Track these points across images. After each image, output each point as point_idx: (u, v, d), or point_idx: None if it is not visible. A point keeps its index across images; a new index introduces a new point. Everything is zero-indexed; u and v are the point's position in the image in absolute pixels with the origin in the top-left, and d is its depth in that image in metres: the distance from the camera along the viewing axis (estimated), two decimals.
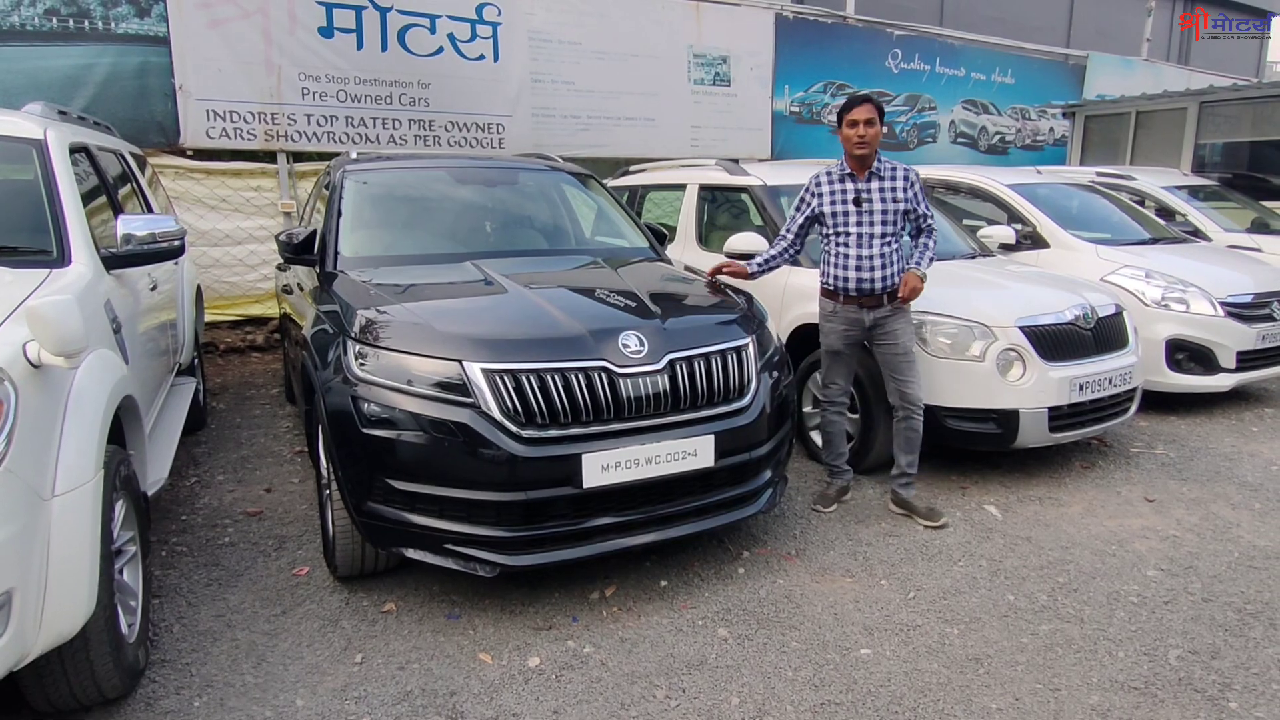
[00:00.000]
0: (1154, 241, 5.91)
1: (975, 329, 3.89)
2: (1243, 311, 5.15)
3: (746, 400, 2.97)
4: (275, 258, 5.88)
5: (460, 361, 2.63)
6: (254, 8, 6.70)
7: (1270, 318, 5.21)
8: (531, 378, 2.63)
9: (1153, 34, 13.84)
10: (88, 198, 3.09)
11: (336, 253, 3.60)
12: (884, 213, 3.51)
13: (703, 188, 5.55)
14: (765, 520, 3.58)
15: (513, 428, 2.59)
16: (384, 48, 7.29)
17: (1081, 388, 3.97)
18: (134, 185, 4.33)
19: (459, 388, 2.62)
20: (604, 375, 2.70)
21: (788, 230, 3.75)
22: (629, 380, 2.72)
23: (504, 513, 2.63)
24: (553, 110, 8.24)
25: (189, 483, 4.08)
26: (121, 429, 2.58)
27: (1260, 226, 7.33)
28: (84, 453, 2.05)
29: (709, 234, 5.44)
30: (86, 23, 6.23)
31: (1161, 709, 2.34)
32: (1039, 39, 13.22)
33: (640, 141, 8.74)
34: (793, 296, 4.43)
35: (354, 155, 4.44)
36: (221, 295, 6.96)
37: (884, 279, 3.52)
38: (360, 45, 7.19)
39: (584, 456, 2.62)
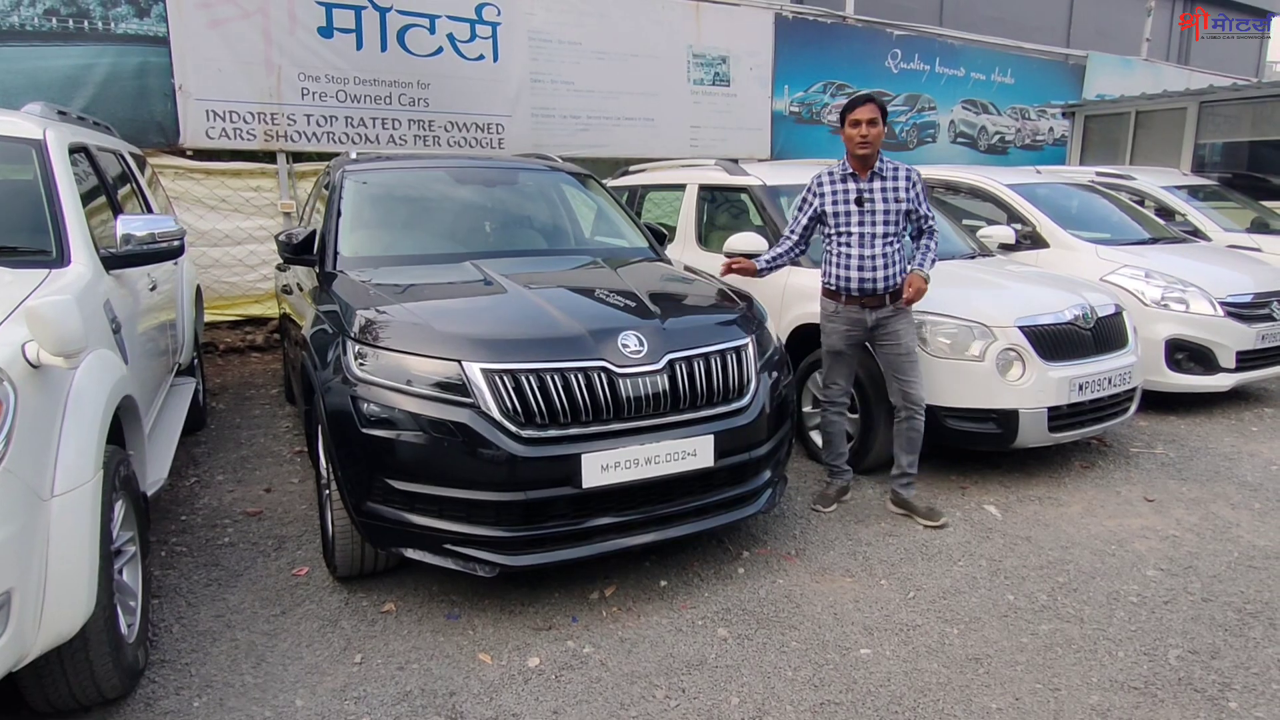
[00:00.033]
0: (1153, 241, 5.91)
1: (975, 329, 3.88)
2: (1242, 311, 5.15)
3: (746, 400, 2.97)
4: (275, 258, 5.88)
5: (459, 361, 2.63)
6: (254, 8, 6.69)
7: (1270, 317, 5.21)
8: (531, 378, 2.63)
9: (1152, 34, 13.84)
10: (87, 198, 3.08)
11: (336, 253, 3.60)
12: (886, 212, 3.50)
13: (702, 188, 5.55)
14: (765, 520, 3.58)
15: (512, 428, 2.59)
16: (383, 48, 7.29)
17: (1081, 388, 3.97)
18: (133, 185, 4.33)
19: (458, 388, 2.62)
20: (603, 375, 2.70)
21: (791, 231, 3.74)
22: (628, 380, 2.72)
23: (503, 513, 2.62)
24: (552, 110, 8.24)
25: (188, 483, 4.08)
26: (121, 429, 2.58)
27: (1260, 226, 7.34)
28: (83, 453, 2.05)
29: (708, 234, 5.44)
30: (86, 23, 6.23)
31: (1161, 709, 2.34)
32: (1039, 39, 13.22)
33: (640, 141, 8.73)
34: (792, 296, 4.43)
35: (354, 155, 4.44)
36: (221, 295, 6.96)
37: (886, 279, 3.51)
38: (360, 45, 7.19)
39: (583, 456, 2.62)
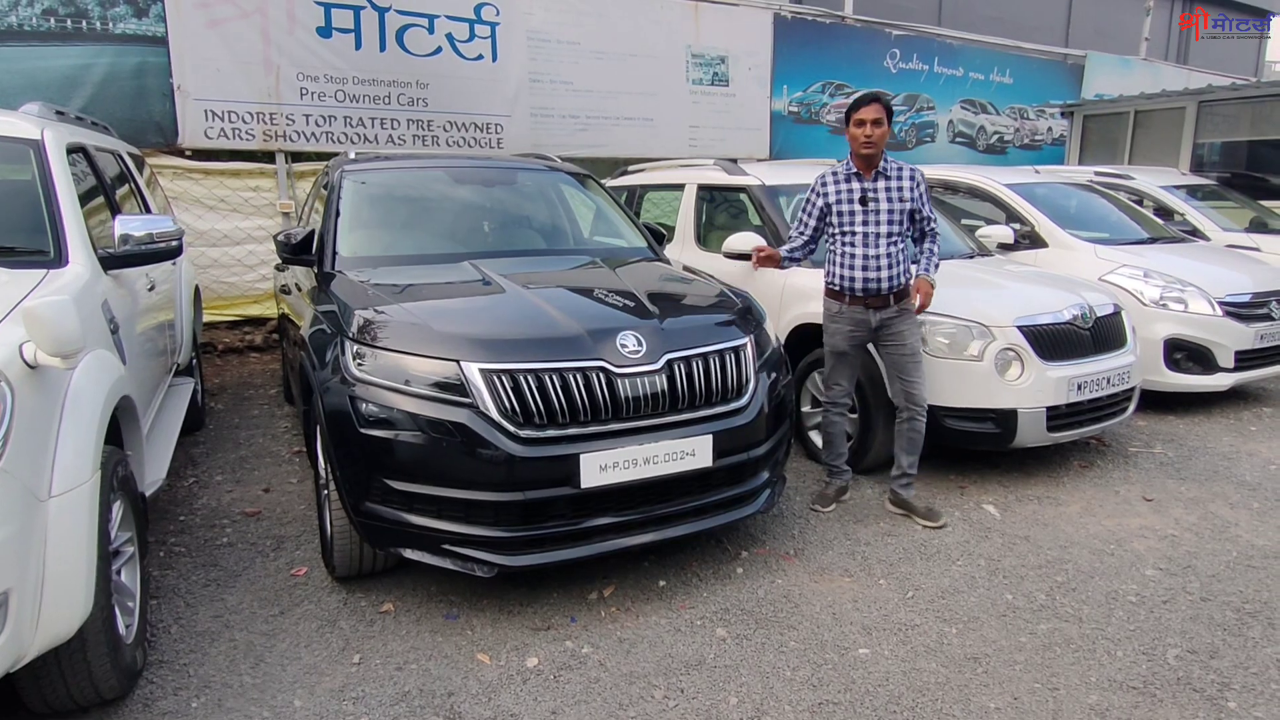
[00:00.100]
0: (1152, 241, 5.91)
1: (973, 329, 3.88)
2: (1241, 311, 5.15)
3: (745, 400, 2.97)
4: (273, 258, 5.87)
5: (458, 361, 2.63)
6: (252, 8, 6.69)
7: (1268, 317, 5.22)
8: (529, 378, 2.63)
9: (1151, 34, 13.85)
10: (85, 198, 3.08)
11: (334, 253, 3.59)
12: (890, 212, 3.50)
13: (701, 188, 5.55)
14: (764, 520, 3.58)
15: (510, 428, 2.59)
16: (382, 48, 7.28)
17: (1080, 387, 3.97)
18: (132, 185, 4.33)
19: (457, 388, 2.62)
20: (602, 375, 2.70)
21: (802, 229, 3.71)
22: (627, 380, 2.72)
23: (502, 513, 2.62)
24: (551, 110, 8.24)
25: (187, 483, 4.08)
26: (119, 429, 2.58)
27: (1259, 226, 7.34)
28: (81, 453, 2.04)
29: (707, 234, 5.44)
30: (84, 23, 6.22)
31: (1160, 708, 2.34)
32: (1037, 39, 13.23)
33: (639, 141, 8.73)
34: (791, 296, 4.43)
35: (352, 155, 4.44)
36: (220, 295, 6.95)
37: (890, 279, 3.50)
38: (359, 45, 7.18)
39: (582, 456, 2.62)
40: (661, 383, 2.77)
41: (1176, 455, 4.48)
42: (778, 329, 4.09)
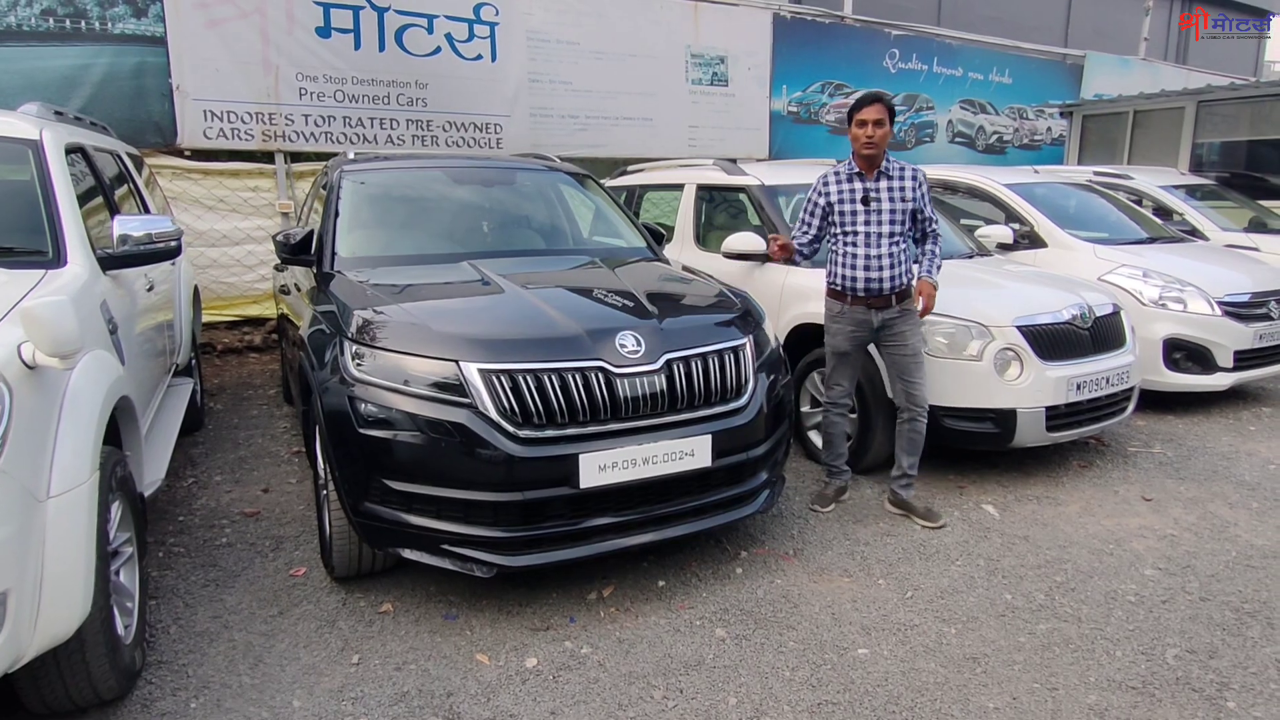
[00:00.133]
0: (1151, 241, 5.92)
1: (973, 328, 3.88)
2: (1240, 311, 5.15)
3: (744, 400, 2.97)
4: (272, 258, 5.86)
5: (457, 362, 2.63)
6: (251, 8, 6.69)
7: (1267, 317, 5.22)
8: (528, 378, 2.63)
9: (1151, 33, 13.86)
10: (84, 198, 3.08)
11: (334, 253, 3.59)
12: (892, 212, 3.49)
13: (700, 188, 5.55)
14: (763, 520, 3.58)
15: (509, 428, 2.59)
16: (381, 48, 7.28)
17: (1079, 387, 3.97)
18: (131, 185, 4.33)
19: (456, 388, 2.62)
20: (601, 375, 2.70)
21: (805, 229, 3.70)
22: (626, 380, 2.72)
23: (501, 513, 2.62)
24: (550, 110, 8.24)
25: (186, 483, 4.07)
26: (118, 430, 2.58)
27: (1258, 226, 7.35)
28: (79, 454, 2.04)
29: (707, 234, 5.44)
30: (83, 23, 6.22)
31: (1159, 708, 2.34)
32: (1037, 39, 13.23)
33: (638, 141, 8.73)
34: (791, 296, 4.43)
35: (351, 155, 4.44)
36: (219, 296, 6.95)
37: (892, 279, 3.50)
38: (358, 45, 7.18)
39: (581, 457, 2.62)
40: (660, 383, 2.77)
41: (1175, 455, 4.48)
42: (777, 329, 4.09)
